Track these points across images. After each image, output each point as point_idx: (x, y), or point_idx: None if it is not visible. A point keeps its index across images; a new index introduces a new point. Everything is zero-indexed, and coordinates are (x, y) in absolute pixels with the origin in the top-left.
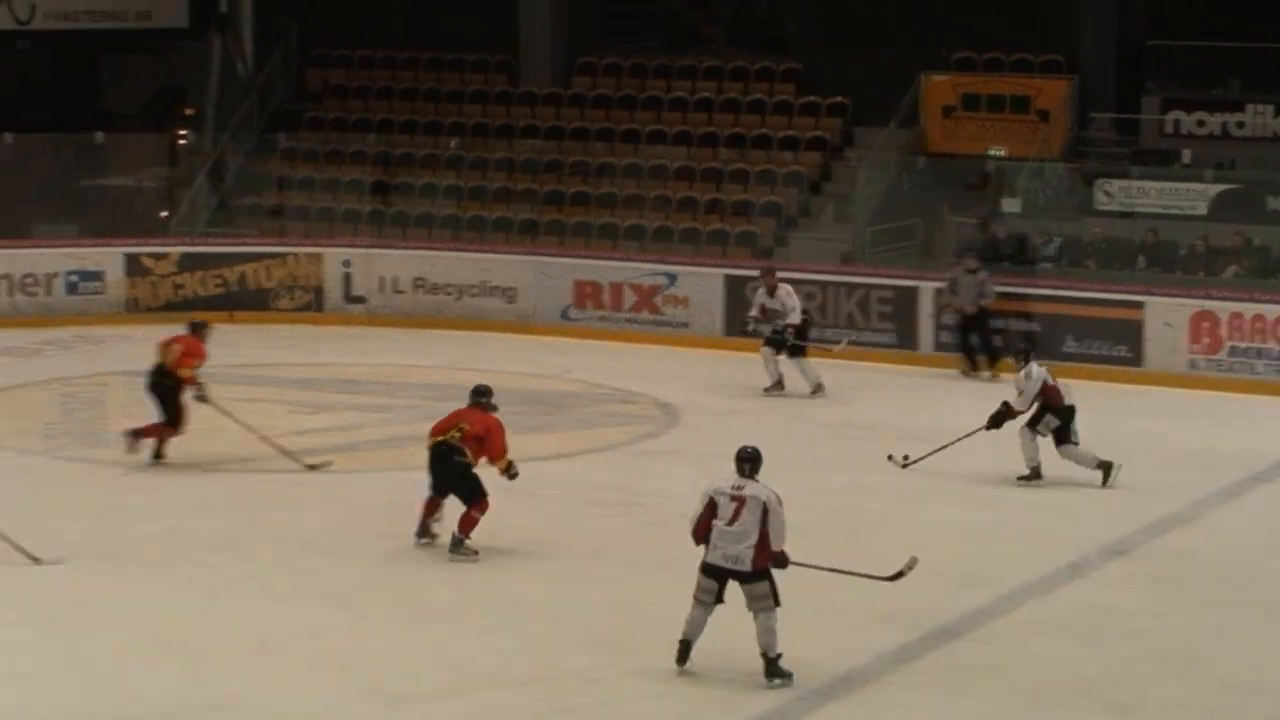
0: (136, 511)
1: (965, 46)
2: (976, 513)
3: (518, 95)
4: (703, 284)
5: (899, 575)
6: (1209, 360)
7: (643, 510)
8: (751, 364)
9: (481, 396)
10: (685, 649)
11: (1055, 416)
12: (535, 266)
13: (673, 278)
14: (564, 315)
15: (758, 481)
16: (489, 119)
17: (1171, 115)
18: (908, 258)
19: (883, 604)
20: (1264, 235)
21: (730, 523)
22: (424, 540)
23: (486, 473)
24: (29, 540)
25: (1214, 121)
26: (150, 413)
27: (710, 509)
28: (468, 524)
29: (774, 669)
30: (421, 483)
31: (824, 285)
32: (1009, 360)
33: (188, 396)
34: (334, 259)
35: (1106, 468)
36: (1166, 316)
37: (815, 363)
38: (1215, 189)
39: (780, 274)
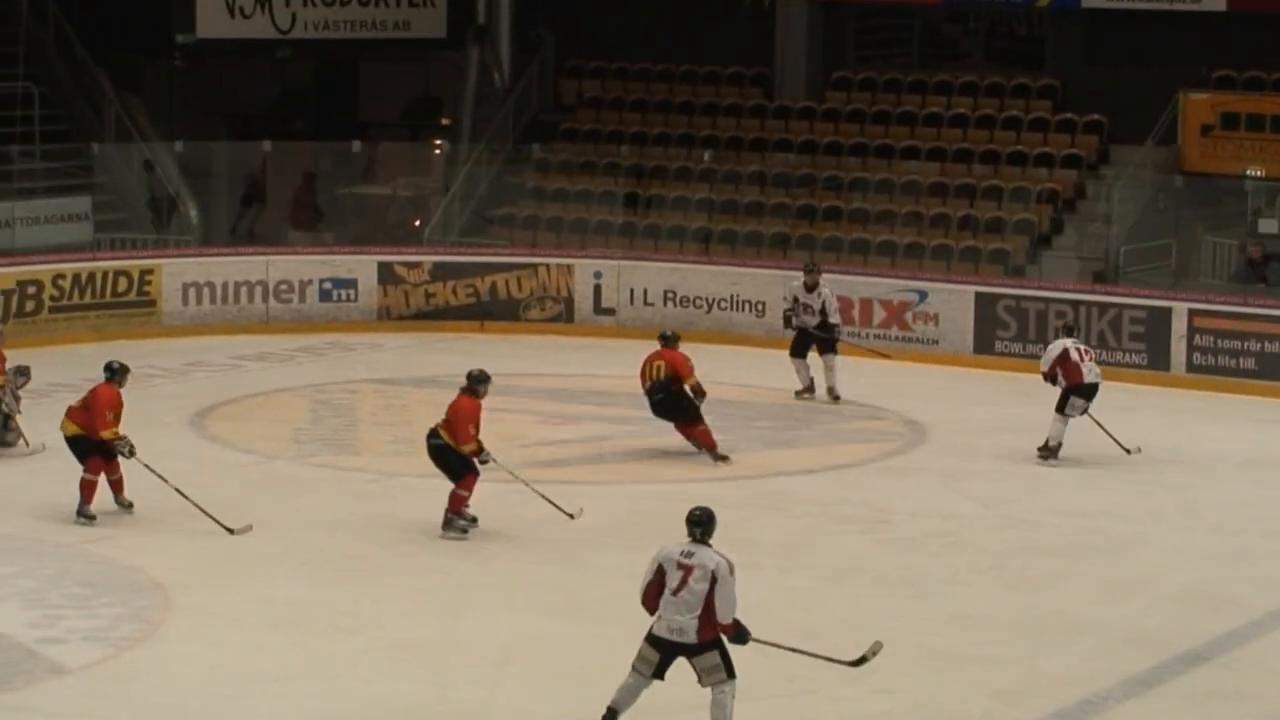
0: (382, 519)
1: (1225, 64)
2: (1227, 537)
3: (772, 109)
4: (953, 301)
5: (862, 660)
6: None
7: (888, 528)
8: (1003, 381)
9: (469, 381)
10: (611, 717)
11: (1078, 396)
12: (786, 281)
13: (923, 294)
14: None
15: (710, 547)
16: (742, 132)
17: None
18: (1162, 278)
19: (1128, 627)
20: None
21: (676, 591)
22: (451, 534)
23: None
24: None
25: None
26: None
27: (659, 576)
28: (456, 502)
29: None
30: (665, 496)
31: (1075, 304)
32: None
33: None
34: (585, 270)
35: (1050, 453)
36: None
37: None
38: None
39: (1031, 292)
